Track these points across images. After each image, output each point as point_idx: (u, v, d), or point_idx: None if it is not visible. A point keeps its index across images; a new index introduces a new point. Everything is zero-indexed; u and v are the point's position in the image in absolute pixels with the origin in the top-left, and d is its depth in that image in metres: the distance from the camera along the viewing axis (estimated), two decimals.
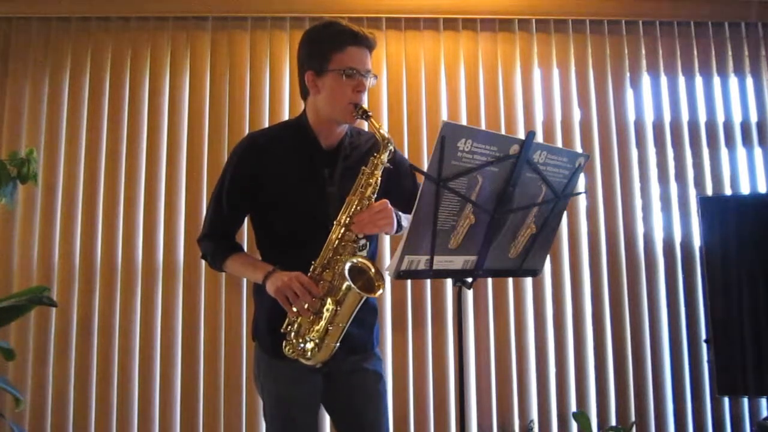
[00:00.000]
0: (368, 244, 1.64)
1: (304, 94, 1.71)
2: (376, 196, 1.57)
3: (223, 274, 2.64)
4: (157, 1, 2.78)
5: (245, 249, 1.79)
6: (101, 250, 2.67)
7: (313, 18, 2.81)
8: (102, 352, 2.61)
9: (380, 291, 1.54)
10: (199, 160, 2.73)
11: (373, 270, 1.57)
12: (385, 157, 1.57)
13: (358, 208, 1.55)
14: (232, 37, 2.81)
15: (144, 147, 2.74)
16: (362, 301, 1.54)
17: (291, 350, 1.57)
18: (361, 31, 1.62)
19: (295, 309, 1.52)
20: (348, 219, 1.55)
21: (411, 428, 2.63)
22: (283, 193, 1.66)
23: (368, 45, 1.64)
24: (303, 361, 1.57)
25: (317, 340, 1.54)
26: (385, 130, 1.58)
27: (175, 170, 2.73)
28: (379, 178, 1.57)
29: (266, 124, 2.75)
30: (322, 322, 1.54)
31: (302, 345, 1.56)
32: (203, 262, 2.61)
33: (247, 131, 2.74)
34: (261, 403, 2.56)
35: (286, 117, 2.77)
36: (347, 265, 1.52)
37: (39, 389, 2.57)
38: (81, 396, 2.59)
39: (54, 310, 2.59)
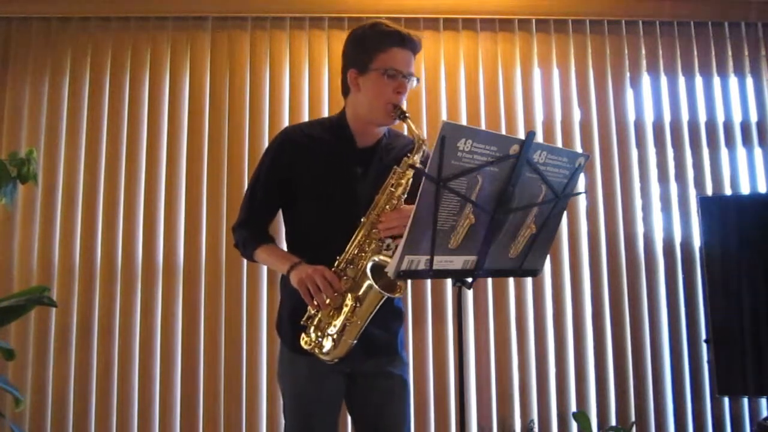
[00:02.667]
0: (395, 245, 1.64)
1: (345, 92, 1.73)
2: (405, 196, 1.58)
3: (223, 273, 2.66)
4: (157, 1, 2.78)
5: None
6: (101, 250, 2.67)
7: (313, 18, 2.81)
8: (102, 352, 2.62)
9: (401, 292, 1.54)
10: (199, 160, 2.73)
11: None
12: (418, 158, 1.57)
13: (386, 207, 1.56)
14: (232, 37, 2.81)
15: (144, 147, 2.74)
16: (383, 300, 1.54)
17: (308, 343, 1.58)
18: (407, 33, 1.63)
19: (315, 302, 1.53)
20: (376, 217, 1.56)
21: (411, 428, 2.62)
22: (315, 188, 1.68)
23: (413, 48, 1.65)
24: (319, 355, 1.57)
25: (335, 336, 1.55)
26: (422, 132, 1.58)
27: (175, 170, 2.73)
28: (410, 179, 1.57)
29: (266, 125, 2.75)
30: (341, 318, 1.54)
31: (320, 339, 1.56)
32: (203, 262, 2.67)
33: (247, 131, 2.74)
34: (261, 403, 2.60)
35: (286, 117, 2.77)
36: (369, 264, 1.52)
37: (39, 389, 2.57)
38: (81, 396, 2.59)
39: (54, 310, 2.59)
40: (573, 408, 2.71)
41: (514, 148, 1.36)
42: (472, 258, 1.48)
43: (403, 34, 1.62)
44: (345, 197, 1.66)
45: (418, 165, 1.57)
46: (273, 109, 2.78)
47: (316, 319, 1.58)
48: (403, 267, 1.37)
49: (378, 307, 1.55)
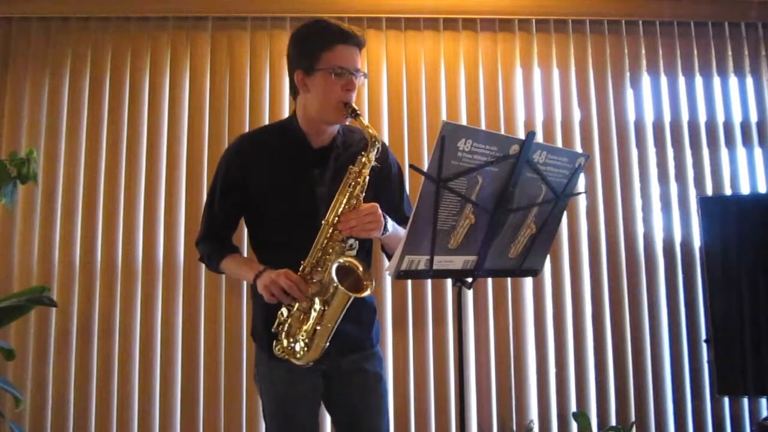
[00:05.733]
0: (357, 244, 1.62)
1: (294, 94, 1.71)
2: (364, 194, 1.57)
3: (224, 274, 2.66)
4: (157, 1, 2.78)
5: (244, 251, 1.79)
6: (101, 250, 2.67)
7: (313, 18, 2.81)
8: (102, 352, 2.61)
9: (368, 291, 1.53)
10: (199, 160, 2.73)
11: (360, 269, 1.57)
12: (372, 155, 1.56)
13: (346, 207, 1.55)
14: (232, 37, 2.81)
15: (144, 147, 2.74)
16: (350, 301, 1.54)
17: (281, 350, 1.58)
18: (350, 30, 1.61)
19: (284, 311, 1.53)
20: (336, 218, 1.55)
21: (411, 428, 2.63)
22: (273, 194, 1.67)
23: (357, 43, 1.63)
24: (293, 360, 1.58)
25: (306, 340, 1.55)
26: (372, 128, 1.57)
27: (175, 170, 2.73)
28: (367, 177, 1.56)
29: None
30: (310, 322, 1.54)
31: (292, 345, 1.57)
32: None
33: (247, 131, 2.74)
34: (261, 402, 2.59)
35: (285, 117, 2.77)
36: (334, 265, 1.52)
37: (39, 389, 2.57)
38: (81, 396, 2.59)
39: (54, 310, 2.58)
40: (573, 408, 2.71)
41: (514, 148, 1.36)
42: (472, 258, 1.48)
43: (347, 30, 1.61)
44: (305, 200, 1.65)
45: (373, 162, 1.57)
46: (273, 109, 2.78)
47: (286, 326, 1.58)
48: (403, 267, 1.37)
49: (347, 308, 1.54)
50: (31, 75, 2.74)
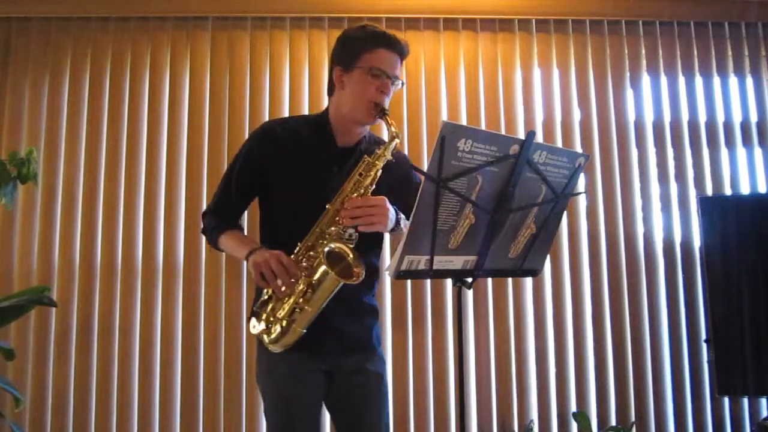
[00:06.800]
0: (357, 236, 1.59)
1: (330, 91, 1.74)
2: (373, 188, 1.58)
3: (223, 273, 2.66)
4: (157, 1, 2.78)
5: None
6: (101, 250, 2.67)
7: (312, 18, 2.81)
8: (102, 352, 2.61)
9: (359, 278, 1.51)
10: (199, 160, 2.73)
11: (351, 256, 1.54)
12: (389, 151, 1.58)
13: (353, 195, 1.56)
14: (232, 37, 2.81)
15: (144, 147, 2.74)
16: (337, 288, 1.52)
17: (255, 328, 1.58)
18: (394, 37, 1.65)
19: (271, 291, 1.53)
20: (340, 204, 1.56)
21: (411, 428, 2.63)
22: (288, 183, 1.68)
23: (400, 51, 1.67)
24: (267, 343, 1.57)
25: (284, 323, 1.54)
26: (395, 127, 1.59)
27: (175, 170, 2.73)
28: (380, 171, 1.57)
29: None
30: (290, 302, 1.53)
31: (269, 325, 1.56)
32: (203, 262, 2.67)
33: (246, 131, 2.74)
34: (261, 402, 2.59)
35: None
36: (325, 250, 1.51)
37: (39, 389, 2.57)
38: (81, 396, 2.59)
39: (54, 310, 2.59)
40: (573, 408, 2.71)
41: (514, 148, 1.36)
42: (472, 258, 1.48)
43: (391, 36, 1.65)
44: (317, 194, 1.65)
45: (389, 158, 1.58)
46: (273, 109, 2.78)
47: (269, 306, 1.57)
48: (403, 267, 1.37)
49: (332, 295, 1.53)
50: (31, 75, 2.75)
